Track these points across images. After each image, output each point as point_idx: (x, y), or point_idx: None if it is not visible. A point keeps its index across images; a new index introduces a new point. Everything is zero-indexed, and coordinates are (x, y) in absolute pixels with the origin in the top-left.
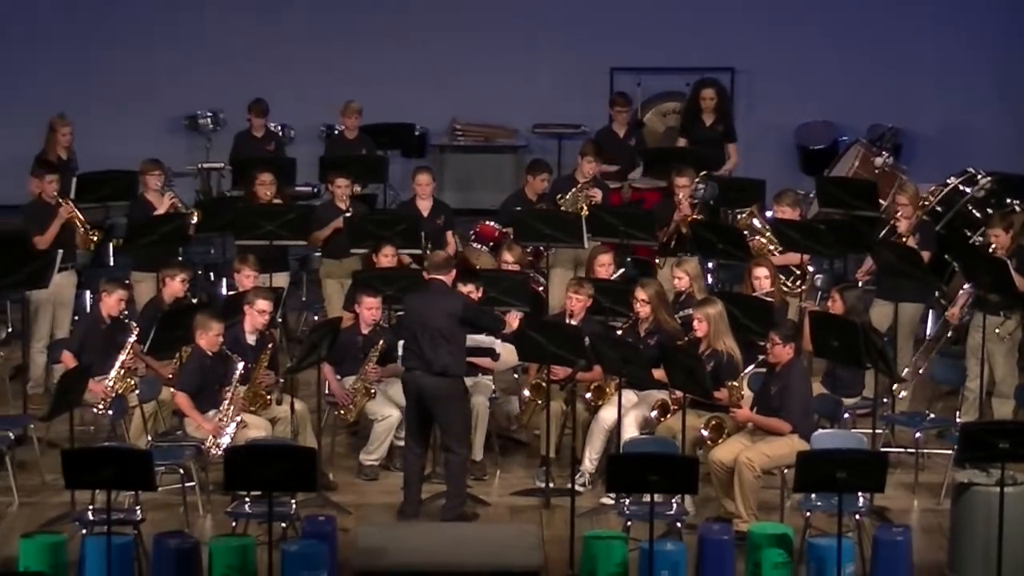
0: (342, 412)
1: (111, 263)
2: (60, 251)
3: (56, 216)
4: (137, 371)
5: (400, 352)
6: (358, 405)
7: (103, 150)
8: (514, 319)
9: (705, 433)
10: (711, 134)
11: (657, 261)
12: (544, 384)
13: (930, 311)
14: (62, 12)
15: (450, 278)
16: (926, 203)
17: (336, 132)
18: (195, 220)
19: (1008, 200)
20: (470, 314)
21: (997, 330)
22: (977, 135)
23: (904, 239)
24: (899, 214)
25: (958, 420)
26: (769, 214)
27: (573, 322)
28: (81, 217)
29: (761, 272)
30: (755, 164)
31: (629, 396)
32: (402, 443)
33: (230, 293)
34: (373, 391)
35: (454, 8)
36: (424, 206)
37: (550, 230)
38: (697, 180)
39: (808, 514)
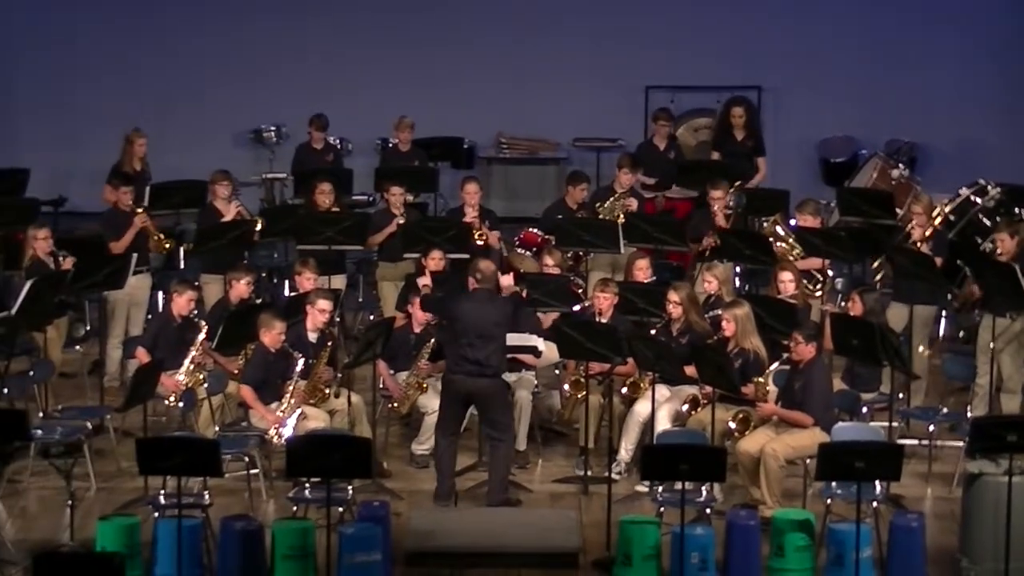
0: (395, 405)
1: (182, 266)
2: (135, 255)
3: (131, 224)
4: (206, 366)
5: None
6: (410, 399)
7: (175, 162)
8: (547, 319)
9: (733, 425)
10: (742, 149)
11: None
12: (583, 379)
13: (942, 312)
14: (139, 35)
15: (495, 289)
16: (940, 212)
17: (391, 145)
18: (259, 227)
19: (1017, 209)
20: (520, 312)
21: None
22: (988, 149)
23: (919, 245)
24: (914, 222)
25: (969, 414)
26: (793, 222)
27: (603, 320)
28: (154, 226)
29: (786, 276)
30: (780, 175)
31: (662, 391)
32: None
33: (292, 294)
34: (424, 386)
35: (502, 32)
36: (471, 213)
37: (589, 236)
38: (731, 191)
39: (829, 501)
